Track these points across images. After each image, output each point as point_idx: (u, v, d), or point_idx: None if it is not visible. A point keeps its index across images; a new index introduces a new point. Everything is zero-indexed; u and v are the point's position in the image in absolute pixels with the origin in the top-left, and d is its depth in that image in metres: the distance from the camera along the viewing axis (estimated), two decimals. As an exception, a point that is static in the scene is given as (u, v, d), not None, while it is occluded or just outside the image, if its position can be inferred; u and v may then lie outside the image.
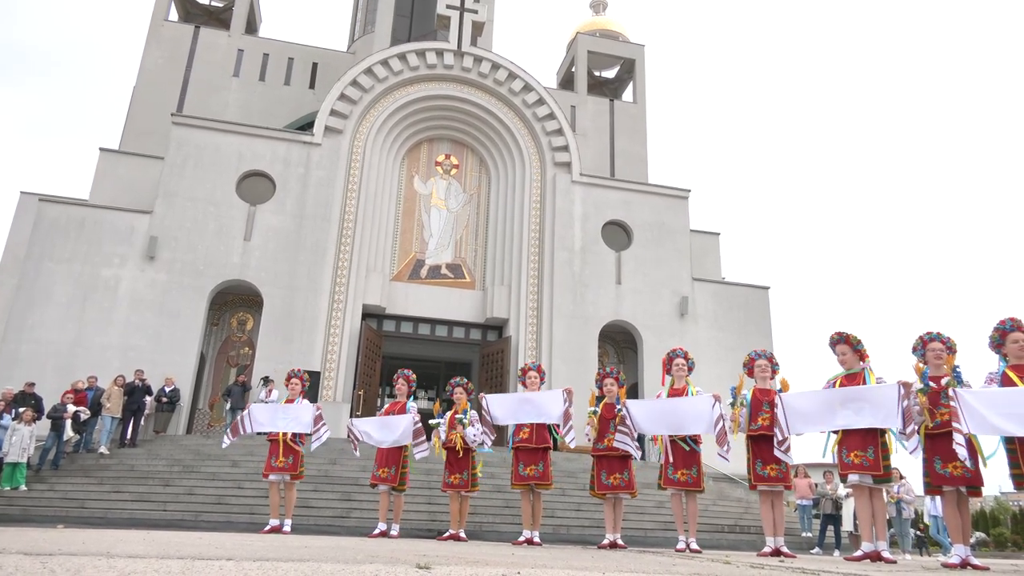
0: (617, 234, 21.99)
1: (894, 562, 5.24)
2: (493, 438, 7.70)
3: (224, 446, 8.83)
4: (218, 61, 26.08)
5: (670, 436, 6.79)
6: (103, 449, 14.14)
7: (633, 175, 26.32)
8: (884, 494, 6.36)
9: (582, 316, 20.60)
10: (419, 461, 8.97)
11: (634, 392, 21.09)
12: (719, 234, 25.07)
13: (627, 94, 30.72)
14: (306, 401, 8.41)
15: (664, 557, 4.91)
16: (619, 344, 22.45)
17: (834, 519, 13.95)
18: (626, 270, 21.41)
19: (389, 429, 8.00)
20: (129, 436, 14.85)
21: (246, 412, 8.51)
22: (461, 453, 7.77)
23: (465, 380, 8.28)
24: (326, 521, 11.30)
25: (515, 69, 22.47)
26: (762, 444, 6.33)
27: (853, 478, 5.57)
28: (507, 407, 7.61)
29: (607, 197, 22.19)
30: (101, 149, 21.08)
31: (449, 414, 7.95)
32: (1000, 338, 5.11)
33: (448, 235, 21.81)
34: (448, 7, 22.61)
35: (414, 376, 8.51)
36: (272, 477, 8.21)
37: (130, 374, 15.31)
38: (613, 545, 7.06)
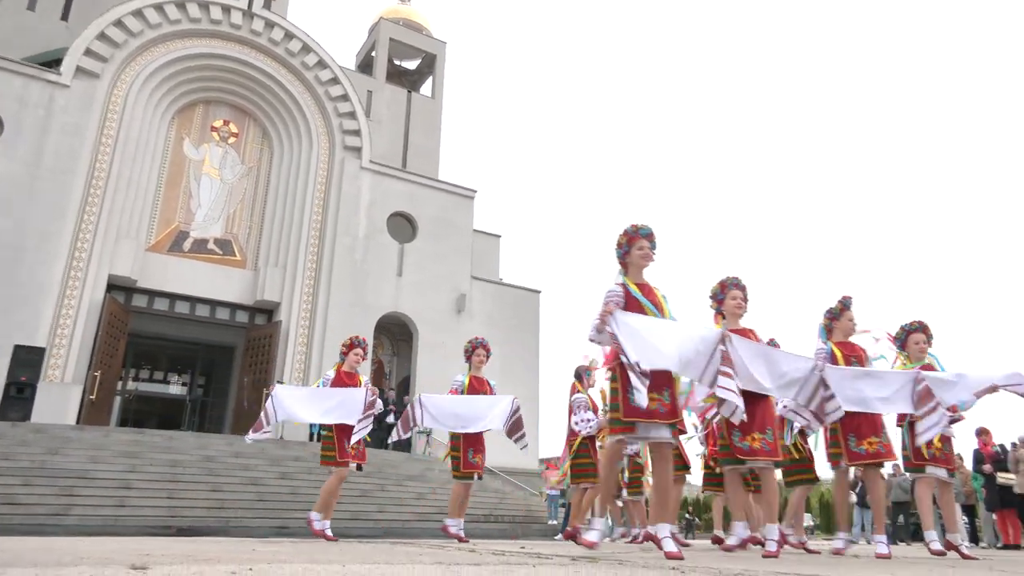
0: (402, 226, 21.94)
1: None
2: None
3: (248, 441, 6.88)
4: (-64, -35, 21.45)
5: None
6: None
7: (424, 169, 26.41)
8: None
9: (361, 305, 20.22)
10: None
11: (406, 386, 21.21)
12: (500, 236, 26.17)
13: (426, 88, 30.77)
14: (364, 381, 6.91)
15: (412, 548, 4.96)
16: (395, 336, 22.42)
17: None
18: (408, 262, 21.43)
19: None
20: None
21: (270, 400, 6.73)
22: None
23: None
24: (39, 520, 9.78)
25: (310, 42, 21.42)
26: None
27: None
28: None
29: (396, 188, 22.05)
30: None
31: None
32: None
33: (220, 207, 20.11)
34: (241, -38, 20.87)
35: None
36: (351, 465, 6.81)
37: None
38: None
